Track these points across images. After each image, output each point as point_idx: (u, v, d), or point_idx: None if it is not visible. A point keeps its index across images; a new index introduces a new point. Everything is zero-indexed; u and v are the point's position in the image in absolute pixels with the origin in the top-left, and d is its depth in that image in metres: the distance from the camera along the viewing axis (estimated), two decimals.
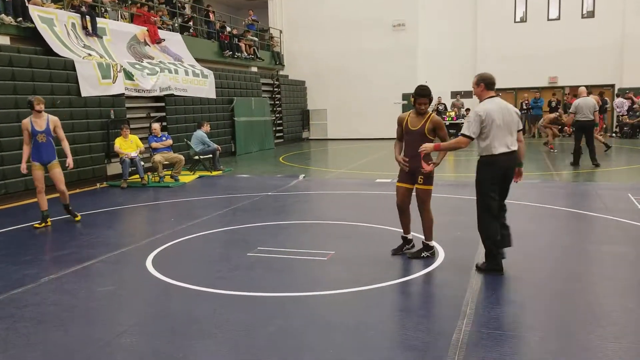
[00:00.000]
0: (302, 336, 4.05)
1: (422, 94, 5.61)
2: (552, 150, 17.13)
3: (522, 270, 5.50)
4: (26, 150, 7.96)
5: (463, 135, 5.22)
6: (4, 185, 10.10)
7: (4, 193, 10.07)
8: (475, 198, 5.38)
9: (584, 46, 22.68)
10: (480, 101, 5.35)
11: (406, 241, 6.06)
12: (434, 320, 4.30)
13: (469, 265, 5.62)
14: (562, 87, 23.85)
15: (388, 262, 5.81)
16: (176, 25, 17.75)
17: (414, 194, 5.89)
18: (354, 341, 3.93)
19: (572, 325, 4.15)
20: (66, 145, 8.13)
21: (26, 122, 7.89)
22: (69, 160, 8.12)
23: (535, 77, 23.71)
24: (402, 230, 6.10)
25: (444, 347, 3.75)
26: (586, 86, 14.99)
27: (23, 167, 8.07)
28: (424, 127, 5.63)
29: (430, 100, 5.71)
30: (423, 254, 5.85)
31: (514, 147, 5.25)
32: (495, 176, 5.20)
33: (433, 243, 5.95)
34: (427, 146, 5.35)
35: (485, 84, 5.36)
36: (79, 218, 8.39)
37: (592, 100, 13.24)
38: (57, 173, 8.06)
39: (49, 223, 8.04)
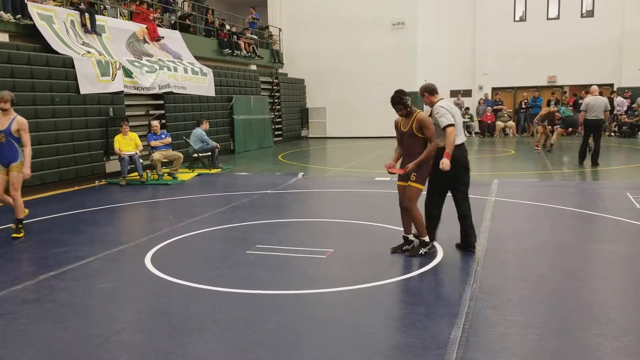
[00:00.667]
0: (300, 334, 4.06)
1: (392, 102, 5.83)
2: (536, 149, 17.03)
3: (520, 268, 5.52)
4: None
5: (448, 126, 5.73)
6: None
7: None
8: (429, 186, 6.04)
9: (583, 45, 22.69)
10: (433, 104, 6.00)
11: (407, 241, 6.05)
12: (433, 318, 4.30)
13: (468, 263, 5.63)
14: (561, 86, 23.87)
15: (387, 260, 5.81)
16: (172, 21, 17.74)
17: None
18: (352, 339, 3.93)
19: (571, 324, 4.16)
20: (27, 152, 7.18)
21: None
22: (25, 169, 7.17)
23: (535, 76, 23.73)
24: (402, 229, 6.10)
25: (442, 345, 3.76)
26: (585, 86, 14.91)
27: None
28: (411, 127, 5.77)
29: (405, 104, 5.74)
30: (421, 251, 5.84)
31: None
32: (458, 165, 5.80)
33: (427, 237, 5.92)
34: (411, 166, 5.73)
35: (429, 92, 6.05)
36: (20, 235, 7.22)
37: (604, 99, 13.13)
38: (15, 176, 7.16)
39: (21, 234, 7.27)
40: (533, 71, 23.59)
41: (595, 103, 12.77)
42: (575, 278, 5.24)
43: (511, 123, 23.72)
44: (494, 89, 24.53)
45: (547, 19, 23.51)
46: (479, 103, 24.27)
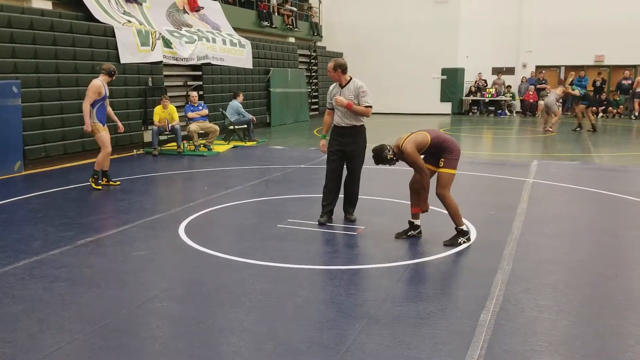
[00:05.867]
0: (328, 309, 4.07)
1: (376, 163, 5.70)
2: (550, 129, 16.28)
3: (555, 252, 5.40)
4: (91, 111, 8.21)
5: (369, 106, 6.23)
6: (45, 148, 10.35)
7: (44, 156, 10.33)
8: (358, 166, 6.45)
9: (634, 24, 21.69)
10: (343, 83, 6.22)
11: (412, 226, 5.81)
12: (463, 300, 4.26)
13: (502, 245, 5.53)
14: (608, 66, 22.99)
15: (418, 240, 5.75)
16: None
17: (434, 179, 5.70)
18: (379, 317, 3.92)
19: (605, 310, 4.05)
20: (110, 112, 8.67)
21: (99, 84, 8.18)
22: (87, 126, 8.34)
23: (581, 55, 22.88)
24: (421, 211, 5.78)
25: (471, 327, 3.72)
26: (635, 66, 14.55)
27: (88, 124, 8.24)
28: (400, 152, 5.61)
29: (388, 160, 5.57)
30: (460, 240, 5.53)
31: None
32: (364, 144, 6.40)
33: (466, 227, 5.65)
34: (342, 100, 6.06)
35: (343, 70, 6.21)
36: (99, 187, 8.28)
37: None
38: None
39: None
40: (579, 49, 22.75)
41: None
42: (612, 265, 5.10)
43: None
44: (537, 67, 23.83)
45: None
46: (522, 81, 23.63)
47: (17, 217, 6.73)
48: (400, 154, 5.57)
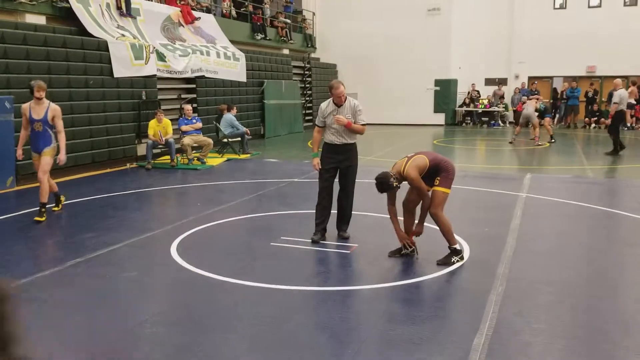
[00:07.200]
0: (320, 334, 4.04)
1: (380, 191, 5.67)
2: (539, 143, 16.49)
3: (549, 271, 5.38)
4: (23, 136, 7.50)
5: (366, 124, 6.44)
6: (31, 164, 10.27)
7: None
8: (352, 182, 6.46)
9: (625, 35, 21.84)
10: (342, 102, 6.26)
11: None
12: (455, 323, 4.24)
13: (495, 265, 5.52)
14: (600, 77, 23.14)
15: (411, 259, 5.73)
16: (211, 4, 17.73)
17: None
18: (371, 341, 3.89)
19: (599, 334, 4.04)
20: (62, 139, 7.39)
21: (25, 107, 7.36)
22: (61, 156, 7.39)
23: (573, 66, 23.02)
24: (416, 234, 5.80)
25: (465, 352, 3.69)
26: (627, 77, 15.53)
27: (19, 152, 7.71)
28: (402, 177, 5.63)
29: (392, 187, 5.55)
30: (453, 259, 5.52)
31: None
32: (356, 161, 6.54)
33: (459, 245, 5.66)
34: (342, 119, 6.10)
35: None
36: (43, 219, 7.25)
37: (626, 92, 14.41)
38: (46, 160, 7.34)
39: (62, 201, 7.82)
40: (572, 60, 22.89)
41: (625, 95, 13.97)
42: (606, 284, 5.10)
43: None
44: (530, 78, 23.95)
45: (589, 7, 22.75)
46: (515, 92, 23.74)
47: (8, 235, 6.67)
48: (401, 180, 5.58)
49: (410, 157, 5.63)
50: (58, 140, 7.41)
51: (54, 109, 7.34)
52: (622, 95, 13.76)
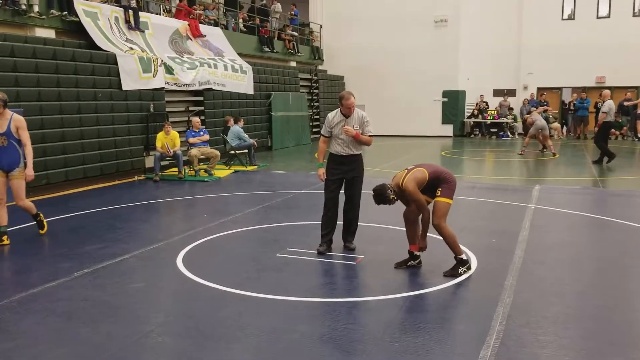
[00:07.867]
0: (325, 345, 4.01)
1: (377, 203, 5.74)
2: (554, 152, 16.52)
3: (557, 283, 5.32)
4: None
5: (372, 135, 6.46)
6: (46, 175, 10.36)
7: (45, 183, 10.33)
8: (358, 192, 6.45)
9: (635, 45, 21.77)
10: (351, 113, 6.27)
11: (412, 256, 5.77)
12: (462, 335, 4.19)
13: (502, 275, 5.47)
14: (610, 88, 23.00)
15: (418, 270, 5.70)
16: (220, 17, 17.87)
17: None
18: (376, 353, 3.86)
19: (608, 347, 3.98)
20: (28, 152, 6.72)
21: None
22: (28, 171, 6.75)
23: (582, 77, 22.95)
24: (416, 240, 5.76)
25: None
26: (637, 87, 15.96)
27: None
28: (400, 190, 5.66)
29: (386, 201, 5.62)
30: (460, 270, 5.48)
31: None
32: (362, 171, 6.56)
33: (466, 256, 5.64)
34: (351, 130, 6.14)
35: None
36: (44, 231, 7.26)
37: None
38: (17, 185, 6.74)
39: (6, 241, 6.71)
40: (581, 71, 22.83)
41: (613, 106, 14.40)
42: (615, 296, 5.03)
43: (556, 125, 23.00)
44: (539, 89, 23.89)
45: (597, 17, 22.71)
46: (524, 103, 23.68)
47: (16, 247, 6.69)
48: (400, 192, 5.55)
49: (410, 170, 5.62)
50: (25, 152, 6.71)
51: (17, 119, 6.62)
52: (611, 106, 14.15)
